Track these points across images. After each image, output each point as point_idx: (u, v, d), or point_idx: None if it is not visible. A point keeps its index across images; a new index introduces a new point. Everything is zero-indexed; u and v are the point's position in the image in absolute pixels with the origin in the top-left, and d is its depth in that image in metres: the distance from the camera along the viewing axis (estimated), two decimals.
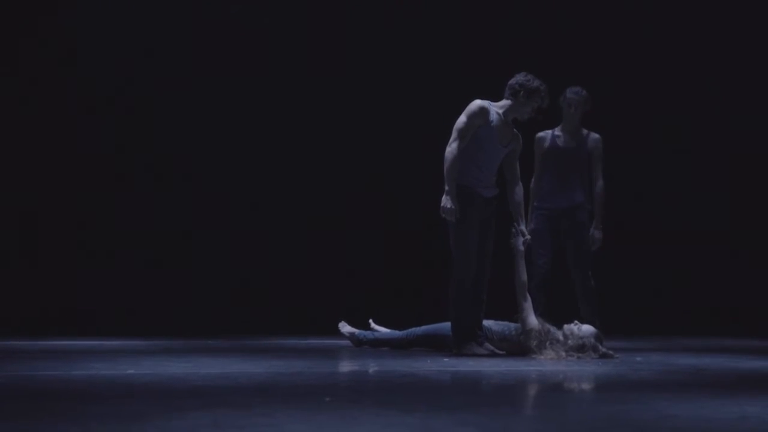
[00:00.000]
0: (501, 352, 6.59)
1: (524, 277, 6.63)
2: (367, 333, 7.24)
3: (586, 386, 5.12)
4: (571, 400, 4.55)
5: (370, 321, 7.40)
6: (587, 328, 6.46)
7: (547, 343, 6.39)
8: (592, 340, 6.41)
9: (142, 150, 9.50)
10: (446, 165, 6.47)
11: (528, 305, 6.58)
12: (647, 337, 8.60)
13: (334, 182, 9.86)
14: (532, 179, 7.46)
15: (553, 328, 6.48)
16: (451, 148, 6.49)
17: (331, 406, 3.95)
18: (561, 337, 6.41)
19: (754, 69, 10.33)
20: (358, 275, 9.68)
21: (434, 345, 6.87)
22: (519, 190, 6.77)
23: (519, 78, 6.64)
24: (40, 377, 4.99)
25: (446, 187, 6.45)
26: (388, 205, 9.85)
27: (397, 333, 7.11)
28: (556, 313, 7.12)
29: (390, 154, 9.83)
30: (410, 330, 7.02)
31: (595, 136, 7.49)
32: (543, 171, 7.44)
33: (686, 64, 10.28)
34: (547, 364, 6.04)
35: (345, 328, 7.31)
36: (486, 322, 6.68)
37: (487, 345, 6.58)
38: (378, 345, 7.12)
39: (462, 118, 6.55)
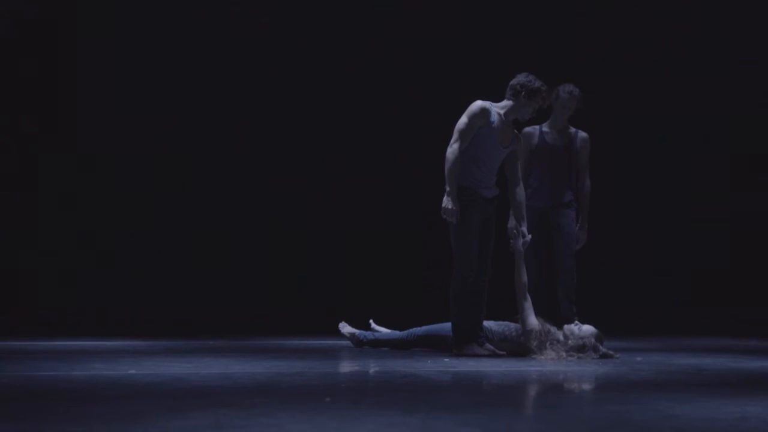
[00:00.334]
0: (501, 353, 6.59)
1: (524, 277, 6.63)
2: (368, 333, 7.23)
3: (586, 386, 5.12)
4: (571, 401, 4.55)
5: (371, 321, 7.40)
6: (587, 329, 6.46)
7: (548, 344, 6.39)
8: (593, 340, 6.41)
9: (142, 150, 9.49)
10: (447, 166, 6.47)
11: (528, 305, 6.58)
12: (647, 337, 8.60)
13: (335, 182, 9.86)
14: None
15: (553, 329, 6.48)
16: (452, 148, 6.49)
17: (331, 407, 3.95)
18: (561, 338, 6.42)
19: (755, 69, 10.33)
20: (358, 275, 9.67)
21: (435, 345, 6.87)
22: (520, 191, 6.77)
23: (520, 78, 6.64)
24: (41, 377, 5.00)
25: (447, 188, 6.45)
26: (389, 205, 9.84)
27: (397, 333, 7.10)
28: (555, 314, 7.13)
29: (391, 154, 9.83)
30: (411, 330, 7.02)
31: (583, 134, 7.42)
32: (531, 168, 7.34)
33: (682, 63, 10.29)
34: (547, 364, 6.04)
35: (345, 328, 7.31)
36: (486, 323, 6.68)
37: (488, 345, 6.58)
38: (378, 345, 7.12)
39: (463, 119, 6.55)
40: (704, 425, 3.61)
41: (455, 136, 6.52)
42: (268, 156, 9.75)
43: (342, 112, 9.88)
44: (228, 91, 9.72)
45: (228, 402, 4.05)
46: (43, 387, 4.60)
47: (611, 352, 6.46)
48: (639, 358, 6.54)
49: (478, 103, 6.58)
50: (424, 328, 6.98)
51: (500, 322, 6.74)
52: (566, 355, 6.32)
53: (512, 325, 6.70)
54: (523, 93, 6.60)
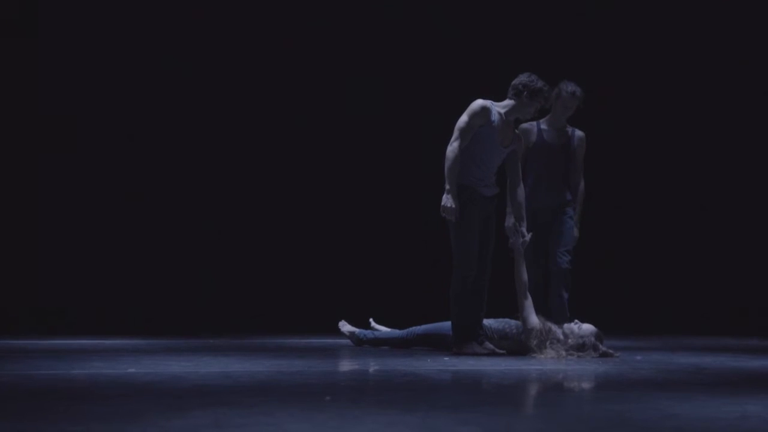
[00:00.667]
0: (501, 351, 6.59)
1: (525, 276, 6.63)
2: (368, 332, 7.24)
3: (586, 385, 5.12)
4: (571, 399, 4.55)
5: (371, 320, 7.40)
6: (587, 327, 6.46)
7: (548, 343, 6.39)
8: (593, 339, 6.41)
9: (144, 151, 9.49)
10: (447, 164, 6.47)
11: (529, 304, 6.58)
12: (647, 337, 8.60)
13: (335, 182, 9.86)
14: None
15: (554, 327, 6.48)
16: (452, 147, 6.49)
17: (331, 406, 3.95)
18: (561, 336, 6.42)
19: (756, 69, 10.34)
20: (358, 275, 9.67)
21: (434, 344, 6.87)
22: (521, 191, 6.76)
23: (522, 78, 6.63)
24: (40, 377, 4.99)
25: (447, 186, 6.44)
26: (389, 205, 9.84)
27: (397, 332, 7.11)
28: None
29: (391, 154, 9.82)
30: (410, 329, 7.02)
31: (580, 133, 7.33)
32: (528, 166, 7.23)
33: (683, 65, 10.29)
34: (547, 363, 6.04)
35: (345, 327, 7.32)
36: (486, 321, 6.68)
37: (488, 344, 6.58)
38: (378, 344, 7.12)
39: (464, 118, 6.55)
40: (704, 424, 3.61)
41: (455, 134, 6.52)
42: (267, 154, 9.75)
43: (342, 111, 9.88)
44: (228, 91, 9.72)
45: (228, 401, 4.04)
46: (42, 386, 4.60)
47: (611, 351, 6.46)
48: (639, 357, 6.54)
49: (478, 102, 6.58)
50: (424, 326, 6.99)
51: (500, 320, 6.74)
52: (566, 353, 6.32)
53: (512, 322, 6.70)
54: (525, 93, 6.59)
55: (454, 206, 6.42)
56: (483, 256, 6.61)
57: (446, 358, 6.23)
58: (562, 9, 10.12)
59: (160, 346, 6.87)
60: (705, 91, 10.27)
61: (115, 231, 9.44)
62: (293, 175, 9.82)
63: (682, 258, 10.24)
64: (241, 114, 9.76)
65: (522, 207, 6.76)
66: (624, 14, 10.22)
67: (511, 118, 6.68)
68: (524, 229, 6.72)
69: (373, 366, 5.86)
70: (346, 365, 6.03)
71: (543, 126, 7.28)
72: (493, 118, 6.57)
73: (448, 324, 6.70)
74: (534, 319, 6.53)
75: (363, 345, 7.16)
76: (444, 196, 6.44)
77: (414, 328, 7.02)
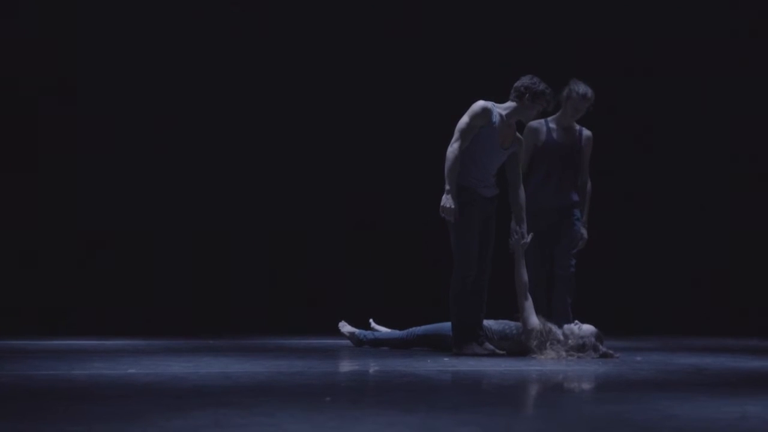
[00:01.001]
0: (501, 352, 6.59)
1: (525, 276, 6.63)
2: (368, 333, 7.24)
3: (586, 386, 5.12)
4: (571, 400, 4.55)
5: (371, 320, 7.40)
6: (587, 328, 6.46)
7: (548, 343, 6.39)
8: (593, 339, 6.40)
9: (144, 151, 9.49)
10: (447, 165, 6.47)
11: (529, 305, 6.57)
12: (647, 337, 8.60)
13: (335, 182, 9.85)
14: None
15: (554, 328, 6.48)
16: (453, 148, 6.49)
17: (331, 406, 3.95)
18: (561, 337, 6.41)
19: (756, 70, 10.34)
20: (358, 275, 9.67)
21: (434, 345, 6.87)
22: (521, 193, 6.76)
23: (525, 81, 6.62)
24: (40, 376, 4.99)
25: (447, 187, 6.44)
26: (389, 205, 9.84)
27: (397, 333, 7.11)
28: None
29: (391, 154, 9.82)
30: (410, 330, 7.02)
31: (587, 132, 7.22)
32: (536, 167, 7.13)
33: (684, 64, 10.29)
34: (547, 363, 6.04)
35: (345, 327, 7.32)
36: (486, 322, 6.68)
37: (488, 345, 6.58)
38: (378, 345, 7.12)
39: (464, 119, 6.55)
40: (704, 425, 3.61)
41: (456, 135, 6.52)
42: (267, 155, 9.75)
43: (342, 111, 9.87)
44: (227, 91, 9.72)
45: (227, 401, 4.04)
46: (42, 386, 4.60)
47: (611, 352, 6.45)
48: (639, 358, 6.54)
49: (480, 103, 6.58)
50: (424, 327, 6.99)
51: (500, 321, 6.75)
52: (566, 354, 6.32)
53: (512, 323, 6.70)
54: (527, 95, 6.58)
55: (453, 207, 6.42)
56: (483, 256, 6.61)
57: (446, 359, 6.23)
58: (562, 9, 10.11)
59: (160, 346, 6.88)
60: (705, 91, 10.26)
61: (114, 231, 9.43)
62: (293, 174, 9.81)
63: (682, 258, 10.24)
64: (241, 115, 9.75)
65: (522, 209, 6.75)
66: (624, 14, 10.22)
67: (513, 121, 6.67)
68: (524, 230, 6.72)
69: (373, 367, 5.87)
70: (346, 366, 6.03)
71: (552, 125, 7.14)
72: (493, 120, 6.57)
73: (447, 325, 6.71)
74: (534, 320, 6.53)
75: (363, 345, 7.16)
76: (443, 196, 6.44)
77: (414, 328, 7.02)
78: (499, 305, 6.88)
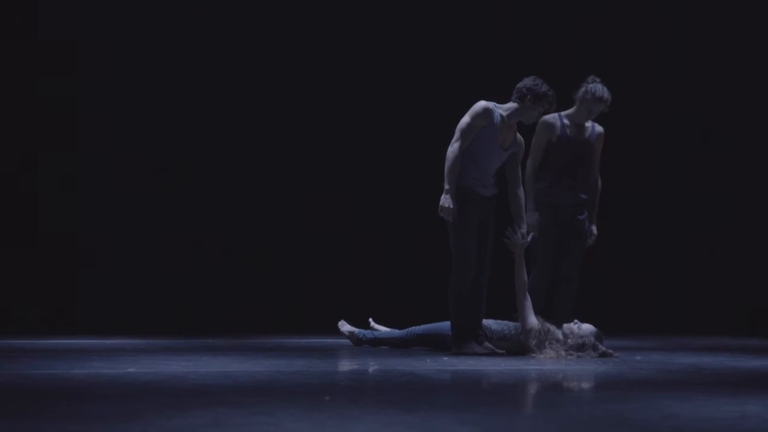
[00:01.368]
0: (501, 351, 6.59)
1: (524, 276, 6.63)
2: (367, 332, 7.24)
3: (586, 385, 5.12)
4: (571, 400, 4.55)
5: (370, 320, 7.40)
6: (587, 327, 6.46)
7: (547, 343, 6.39)
8: (592, 339, 6.40)
9: (144, 151, 9.48)
10: (447, 164, 6.47)
11: (528, 304, 6.58)
12: (647, 336, 8.59)
13: (335, 181, 9.85)
14: (529, 163, 7.05)
15: (553, 328, 6.48)
16: (453, 147, 6.49)
17: (331, 405, 3.95)
18: (561, 337, 6.42)
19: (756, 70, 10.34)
20: (358, 275, 9.66)
21: (434, 344, 6.87)
22: (521, 193, 6.77)
23: (527, 82, 6.61)
24: (39, 375, 4.99)
25: (446, 186, 6.44)
26: (389, 205, 9.83)
27: (396, 332, 7.11)
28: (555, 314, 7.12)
29: (391, 154, 9.81)
30: (410, 329, 7.02)
31: (599, 129, 7.16)
32: (548, 162, 7.07)
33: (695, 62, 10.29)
34: (546, 363, 6.04)
35: (345, 327, 7.32)
36: (485, 321, 6.68)
37: (487, 344, 6.58)
38: (377, 344, 7.12)
39: (465, 119, 6.55)
40: (704, 424, 3.61)
41: (457, 135, 6.52)
42: (267, 155, 9.74)
43: (343, 111, 9.87)
44: (227, 91, 9.71)
45: (227, 400, 4.04)
46: (41, 385, 4.60)
47: (611, 351, 6.46)
48: (638, 357, 6.54)
49: (481, 104, 6.58)
50: (423, 326, 6.99)
51: (499, 321, 6.75)
52: (566, 354, 6.32)
53: (511, 323, 6.71)
54: (528, 97, 6.57)
55: (451, 207, 6.42)
56: (482, 256, 6.61)
57: (445, 358, 6.23)
58: (563, 9, 10.11)
59: (160, 346, 6.87)
60: (707, 91, 10.26)
61: (114, 231, 9.43)
62: (293, 174, 9.80)
63: (682, 258, 10.23)
64: (241, 115, 9.75)
65: (522, 209, 6.76)
66: (625, 14, 10.22)
67: (513, 121, 6.66)
68: (524, 231, 6.72)
69: (372, 366, 5.87)
70: (345, 365, 6.04)
71: (566, 121, 7.06)
72: (495, 120, 6.57)
73: (447, 324, 6.71)
74: (533, 320, 6.53)
75: (362, 345, 7.16)
76: (442, 196, 6.44)
77: (413, 328, 7.02)
78: (498, 305, 6.87)
